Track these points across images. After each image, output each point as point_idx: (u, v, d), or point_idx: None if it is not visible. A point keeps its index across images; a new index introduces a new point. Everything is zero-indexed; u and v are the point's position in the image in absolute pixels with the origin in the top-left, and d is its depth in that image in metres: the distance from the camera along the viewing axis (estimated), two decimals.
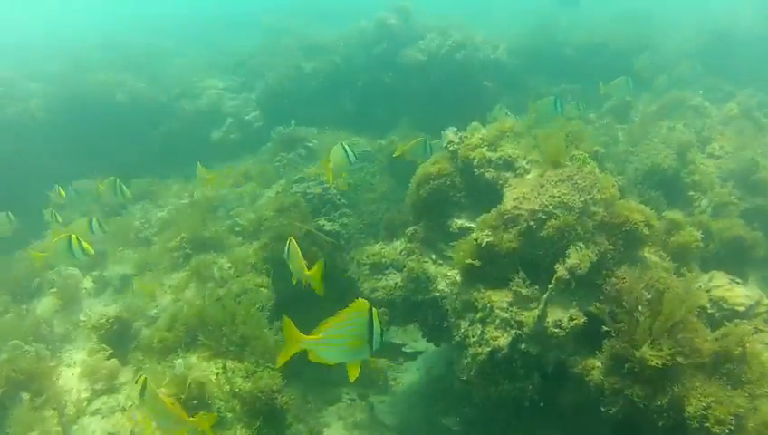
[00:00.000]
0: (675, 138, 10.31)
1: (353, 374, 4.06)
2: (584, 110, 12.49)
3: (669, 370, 5.55)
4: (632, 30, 18.32)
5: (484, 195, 7.97)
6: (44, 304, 9.58)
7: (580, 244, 6.32)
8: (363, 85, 16.60)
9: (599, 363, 6.14)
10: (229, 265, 9.76)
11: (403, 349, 10.72)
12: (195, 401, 6.43)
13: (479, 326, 6.68)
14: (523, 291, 6.63)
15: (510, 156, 7.87)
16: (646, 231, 6.60)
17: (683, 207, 9.75)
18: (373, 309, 4.00)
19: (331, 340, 3.95)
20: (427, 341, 8.61)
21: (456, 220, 8.20)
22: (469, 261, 6.86)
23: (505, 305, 6.57)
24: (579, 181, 6.76)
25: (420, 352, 10.53)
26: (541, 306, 6.31)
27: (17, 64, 18.32)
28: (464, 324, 6.96)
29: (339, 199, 11.60)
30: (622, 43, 17.73)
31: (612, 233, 6.64)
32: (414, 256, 8.28)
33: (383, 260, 8.94)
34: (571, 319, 6.30)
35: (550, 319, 6.36)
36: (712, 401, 5.32)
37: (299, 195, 11.27)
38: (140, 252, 11.03)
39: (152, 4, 38.95)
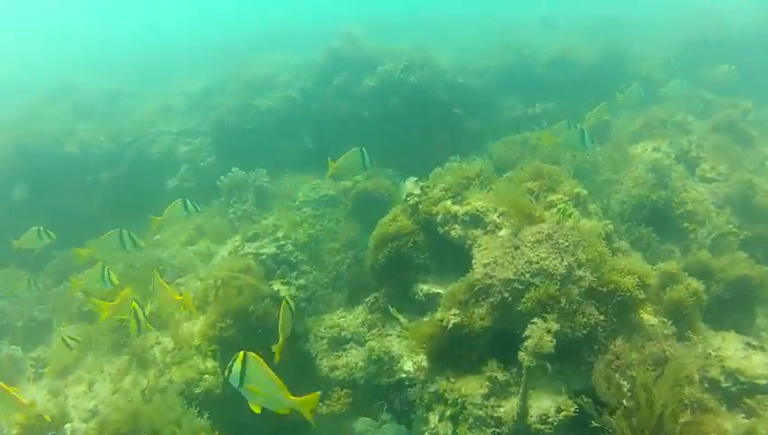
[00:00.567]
0: (660, 163, 9.26)
1: None
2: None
3: None
4: (606, 43, 17.34)
5: (451, 255, 6.89)
6: None
7: (537, 320, 5.21)
8: (323, 120, 15.49)
9: None
10: (173, 345, 8.62)
11: None
12: None
13: (450, 425, 5.53)
14: (500, 376, 5.51)
15: (478, 209, 6.79)
16: (640, 296, 5.52)
17: (678, 241, 8.75)
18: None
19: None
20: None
21: (421, 286, 7.10)
22: (434, 346, 5.72)
23: (479, 400, 5.41)
24: (560, 240, 5.67)
25: None
26: (518, 402, 5.17)
27: None
28: (433, 419, 5.81)
29: (296, 257, 10.47)
30: (596, 57, 16.77)
31: (603, 301, 5.55)
32: (375, 331, 7.16)
33: (342, 333, 7.82)
34: (560, 410, 5.17)
35: (534, 412, 5.23)
36: None
37: (251, 257, 10.16)
38: (82, 329, 9.95)
39: (115, 41, 37.90)
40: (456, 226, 6.87)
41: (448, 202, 7.10)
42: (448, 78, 15.50)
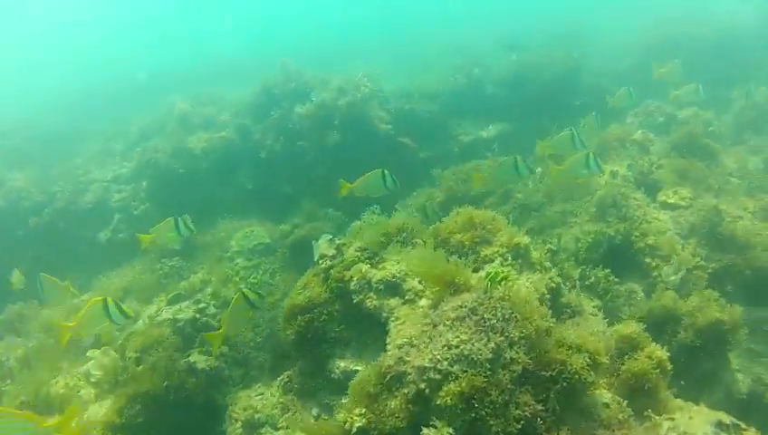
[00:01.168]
0: (617, 191, 8.30)
1: None
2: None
3: None
4: (563, 58, 16.48)
5: (371, 327, 5.83)
6: None
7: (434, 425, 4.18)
8: (261, 159, 14.38)
9: None
10: None
11: None
12: None
13: None
14: None
15: (395, 275, 5.74)
16: (590, 378, 4.48)
17: (640, 279, 7.78)
18: None
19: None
20: None
21: (338, 362, 6.01)
22: None
23: None
24: (486, 316, 4.62)
25: None
26: None
27: None
28: None
29: (219, 320, 9.34)
30: (552, 73, 15.91)
31: (543, 384, 4.50)
32: (289, 415, 6.05)
33: (256, 416, 6.69)
34: None
35: None
36: None
37: (167, 324, 9.03)
38: None
39: (69, 76, 36.47)
40: (372, 294, 5.80)
41: (364, 265, 6.05)
42: (394, 105, 14.54)
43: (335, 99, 13.37)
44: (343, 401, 5.45)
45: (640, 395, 4.98)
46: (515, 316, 4.63)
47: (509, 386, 4.36)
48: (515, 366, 4.42)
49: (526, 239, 6.13)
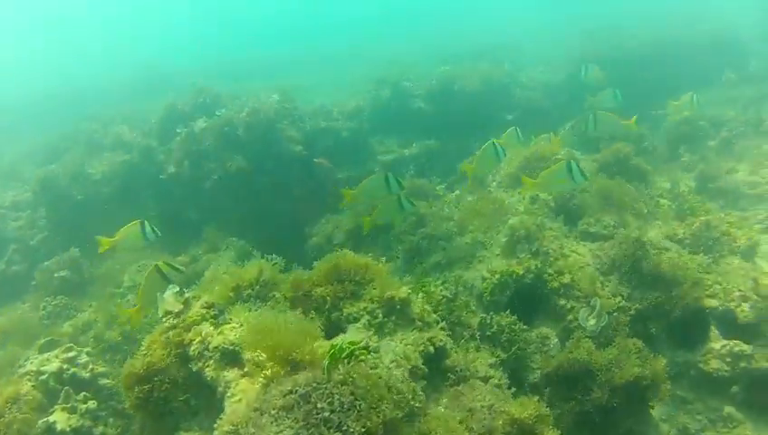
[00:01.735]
0: (529, 222, 7.31)
1: None
2: None
3: None
4: (490, 70, 15.63)
5: (218, 398, 4.68)
6: None
7: None
8: (165, 183, 13.09)
9: None
10: None
11: None
12: None
13: None
14: None
15: (233, 342, 4.59)
16: None
17: (554, 323, 6.79)
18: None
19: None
20: None
21: None
22: None
23: None
24: (320, 405, 3.53)
25: None
26: None
27: None
28: None
29: (91, 370, 8.03)
30: (479, 85, 15.03)
31: None
32: None
33: None
34: None
35: None
36: None
37: (29, 377, 7.68)
38: None
39: None
40: (211, 362, 4.64)
41: (207, 325, 4.89)
42: (310, 123, 13.44)
43: (243, 118, 12.15)
44: None
45: None
46: (358, 405, 3.52)
47: None
48: None
49: (403, 292, 5.06)
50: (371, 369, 3.92)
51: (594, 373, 5.68)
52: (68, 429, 7.11)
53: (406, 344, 4.65)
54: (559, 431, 4.32)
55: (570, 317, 6.65)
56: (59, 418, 7.22)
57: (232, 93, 14.03)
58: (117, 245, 7.92)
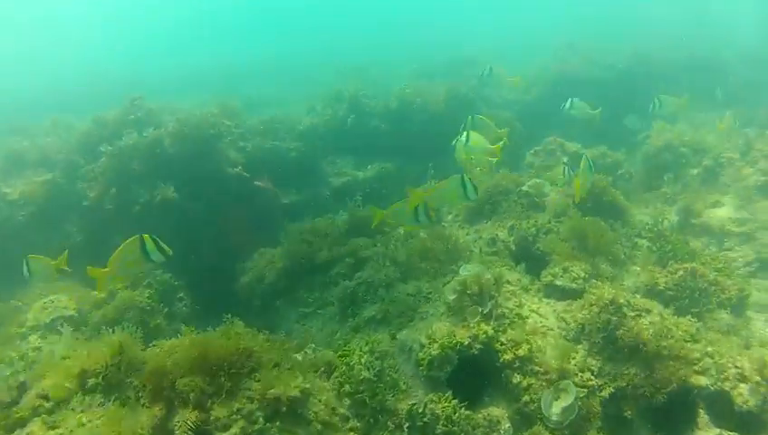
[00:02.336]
0: (480, 277, 5.97)
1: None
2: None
3: None
4: (454, 86, 14.36)
5: None
6: None
7: None
8: (91, 206, 11.54)
9: None
10: None
11: None
12: None
13: None
14: None
15: None
16: None
17: (507, 403, 5.48)
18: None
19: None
20: None
21: None
22: None
23: None
24: None
25: None
26: None
27: None
28: None
29: None
30: (441, 103, 13.75)
31: None
32: None
33: None
34: None
35: None
36: None
37: None
38: None
39: None
40: None
41: (40, 424, 3.55)
42: (252, 142, 12.02)
43: (171, 136, 10.70)
44: None
45: None
46: None
47: None
48: None
49: (295, 388, 3.74)
50: None
51: None
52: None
53: None
54: None
55: (526, 398, 5.32)
56: None
57: (172, 108, 12.51)
58: (116, 272, 6.08)
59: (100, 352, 4.13)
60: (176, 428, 3.63)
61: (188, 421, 3.58)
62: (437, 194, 6.56)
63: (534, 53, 19.52)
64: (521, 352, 5.42)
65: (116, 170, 11.03)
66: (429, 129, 13.06)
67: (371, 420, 4.75)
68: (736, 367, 5.50)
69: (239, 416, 3.63)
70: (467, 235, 8.18)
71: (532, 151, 11.96)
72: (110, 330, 4.70)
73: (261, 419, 3.65)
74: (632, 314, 5.84)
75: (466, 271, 6.01)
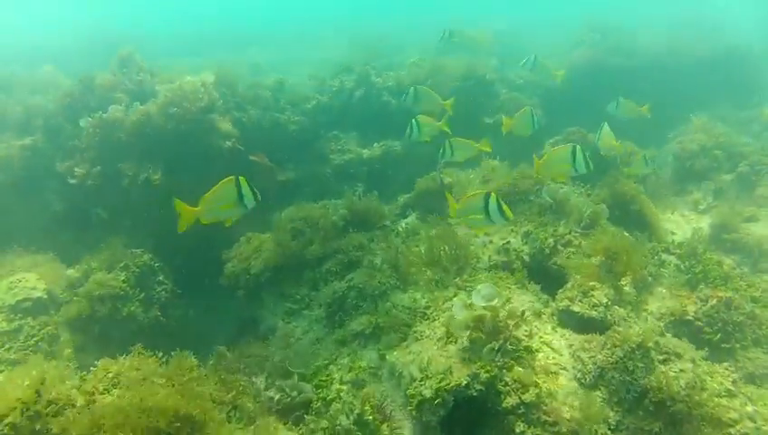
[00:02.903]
0: (495, 317, 5.13)
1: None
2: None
3: None
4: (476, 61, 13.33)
5: None
6: None
7: None
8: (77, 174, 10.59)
9: None
10: None
11: None
12: None
13: None
14: None
15: None
16: None
17: None
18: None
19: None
20: None
21: None
22: None
23: None
24: None
25: None
26: None
27: None
28: None
29: None
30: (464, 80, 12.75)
31: None
32: None
33: None
34: None
35: None
36: None
37: None
38: None
39: None
40: None
41: None
42: (250, 113, 11.10)
43: (161, 112, 9.75)
44: None
45: None
46: None
47: None
48: None
49: None
50: None
51: None
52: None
53: None
54: None
55: None
56: None
57: (159, 74, 11.48)
58: (205, 214, 5.52)
59: (13, 392, 3.32)
60: None
61: None
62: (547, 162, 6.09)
63: (560, 33, 18.35)
64: (527, 398, 4.61)
65: (99, 147, 10.08)
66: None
67: None
68: None
69: None
70: (476, 237, 7.30)
71: (551, 141, 11.01)
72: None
73: None
74: (660, 357, 4.99)
75: (480, 297, 5.10)
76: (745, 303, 6.33)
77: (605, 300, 5.66)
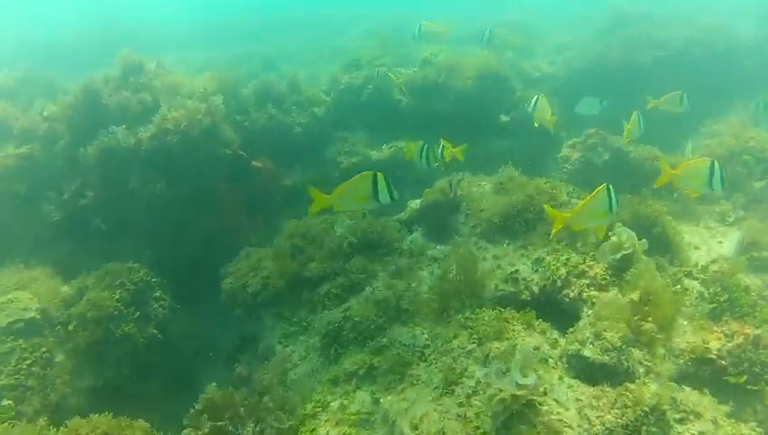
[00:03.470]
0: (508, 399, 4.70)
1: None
2: None
3: None
4: (489, 63, 12.70)
5: None
6: None
7: None
8: (77, 187, 10.16)
9: None
10: None
11: None
12: None
13: None
14: None
15: None
16: None
17: None
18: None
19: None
20: None
21: None
22: None
23: None
24: None
25: None
26: None
27: None
28: None
29: None
30: (474, 81, 12.14)
31: None
32: None
33: None
34: None
35: None
36: None
37: None
38: None
39: None
40: None
41: None
42: (253, 116, 10.70)
43: (163, 133, 9.29)
44: None
45: None
46: None
47: None
48: None
49: None
50: None
51: None
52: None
53: None
54: None
55: None
56: None
57: (170, 80, 10.96)
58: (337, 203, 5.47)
59: None
60: None
61: None
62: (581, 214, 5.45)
63: (579, 24, 17.61)
64: None
65: (101, 166, 9.67)
66: (459, 106, 11.58)
67: None
68: None
69: None
70: (484, 260, 6.84)
71: (570, 143, 10.44)
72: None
73: None
74: (677, 416, 4.52)
75: (517, 375, 4.56)
76: None
77: (618, 342, 5.18)
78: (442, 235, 7.87)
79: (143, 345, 8.28)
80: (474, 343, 5.30)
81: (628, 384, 4.67)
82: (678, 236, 7.26)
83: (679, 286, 6.62)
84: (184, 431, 4.98)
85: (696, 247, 8.15)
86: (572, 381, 4.99)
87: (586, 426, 4.56)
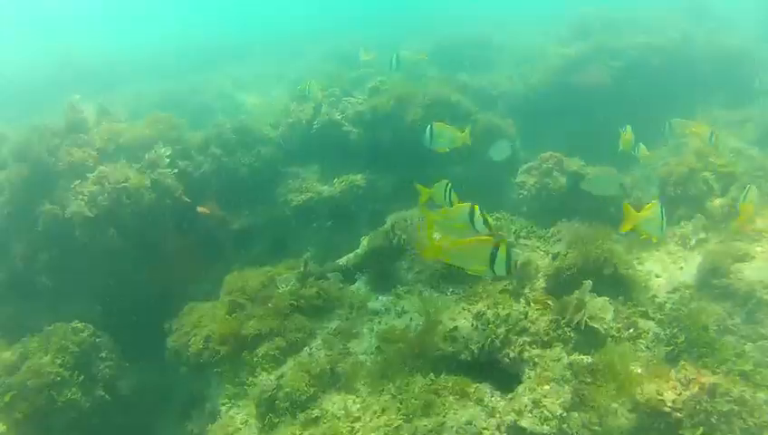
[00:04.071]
0: None
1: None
2: None
3: None
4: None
5: None
6: None
7: None
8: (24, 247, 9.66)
9: None
10: None
11: None
12: None
13: None
14: None
15: None
16: None
17: None
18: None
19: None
20: None
21: None
22: None
23: None
24: None
25: None
26: None
27: None
28: None
29: None
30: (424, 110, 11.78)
31: None
32: None
33: None
34: None
35: None
36: None
37: None
38: None
39: None
40: None
41: None
42: (197, 160, 10.30)
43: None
44: None
45: None
46: None
47: None
48: None
49: None
50: None
51: None
52: None
53: None
54: None
55: None
56: None
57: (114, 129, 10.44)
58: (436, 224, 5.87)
59: None
60: None
61: None
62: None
63: (537, 32, 17.37)
64: None
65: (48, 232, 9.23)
66: (407, 137, 11.19)
67: None
68: None
69: None
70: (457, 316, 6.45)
71: (525, 168, 10.08)
72: None
73: None
74: None
75: None
76: (734, 385, 5.45)
77: (559, 410, 4.81)
78: (387, 282, 7.49)
79: (89, 409, 7.91)
80: (401, 419, 4.92)
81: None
82: (632, 271, 6.89)
83: (632, 330, 6.29)
84: None
85: (657, 275, 7.80)
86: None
87: None
